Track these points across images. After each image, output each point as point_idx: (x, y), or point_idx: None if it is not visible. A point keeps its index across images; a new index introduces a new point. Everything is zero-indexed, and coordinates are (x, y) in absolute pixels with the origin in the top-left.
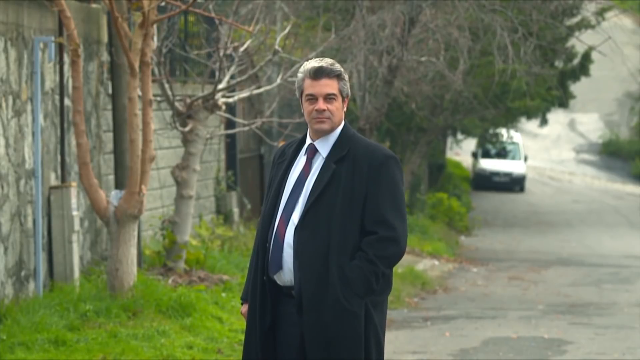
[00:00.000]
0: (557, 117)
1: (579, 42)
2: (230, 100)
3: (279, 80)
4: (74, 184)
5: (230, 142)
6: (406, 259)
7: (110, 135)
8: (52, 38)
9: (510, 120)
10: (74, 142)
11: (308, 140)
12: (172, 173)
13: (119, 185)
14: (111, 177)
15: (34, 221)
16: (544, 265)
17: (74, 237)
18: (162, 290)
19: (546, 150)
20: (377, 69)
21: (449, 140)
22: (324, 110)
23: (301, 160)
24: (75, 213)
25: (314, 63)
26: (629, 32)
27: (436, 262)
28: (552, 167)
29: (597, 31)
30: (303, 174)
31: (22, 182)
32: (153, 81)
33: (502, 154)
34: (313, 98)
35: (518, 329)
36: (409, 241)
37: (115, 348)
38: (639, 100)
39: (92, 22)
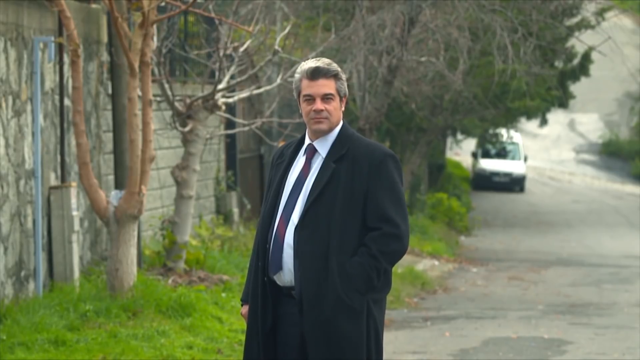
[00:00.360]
0: (557, 117)
1: (579, 42)
2: (230, 100)
3: (278, 81)
4: (73, 184)
5: (230, 142)
6: (406, 259)
7: (110, 135)
8: (52, 38)
9: (510, 120)
10: (73, 142)
11: (307, 141)
12: (172, 173)
13: (118, 185)
14: (111, 177)
15: (34, 221)
16: (544, 265)
17: (74, 237)
18: (162, 290)
19: (546, 151)
20: (377, 69)
21: (449, 140)
22: (322, 110)
23: (300, 161)
24: (75, 213)
25: (310, 63)
26: (629, 32)
27: (436, 262)
28: (552, 167)
29: (597, 31)
30: (302, 174)
31: (22, 182)
32: (153, 81)
33: (502, 154)
34: (310, 98)
35: (518, 329)
36: (409, 241)
37: (115, 348)
38: (639, 100)
39: (92, 22)
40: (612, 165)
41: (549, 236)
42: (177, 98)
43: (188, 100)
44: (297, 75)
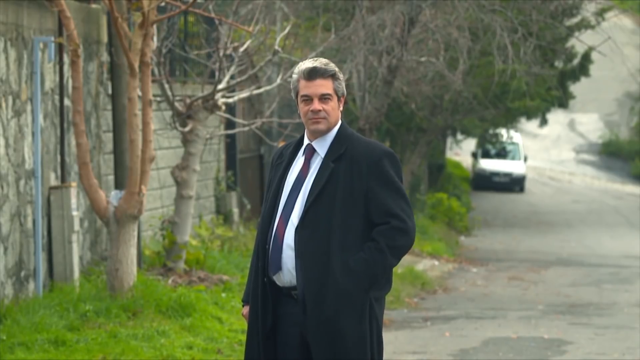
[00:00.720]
0: (557, 118)
1: (579, 43)
2: (230, 100)
3: (278, 81)
4: (73, 184)
5: (230, 143)
6: (406, 259)
7: (110, 135)
8: (52, 38)
9: (510, 120)
10: (73, 142)
11: (306, 141)
12: (172, 173)
13: (118, 185)
14: (111, 177)
15: (34, 221)
16: (544, 265)
17: (74, 237)
18: (162, 290)
19: (546, 151)
20: (376, 69)
21: (449, 140)
22: (319, 110)
23: (299, 161)
24: (75, 213)
25: (308, 64)
26: (629, 32)
27: (436, 263)
28: (552, 167)
29: (597, 31)
30: (301, 174)
31: (22, 182)
32: (153, 81)
33: (502, 154)
34: (308, 99)
35: (518, 329)
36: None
37: (115, 348)
38: (639, 101)
39: (92, 22)
40: (612, 165)
41: (549, 236)
42: (177, 98)
43: (188, 100)
44: (294, 76)
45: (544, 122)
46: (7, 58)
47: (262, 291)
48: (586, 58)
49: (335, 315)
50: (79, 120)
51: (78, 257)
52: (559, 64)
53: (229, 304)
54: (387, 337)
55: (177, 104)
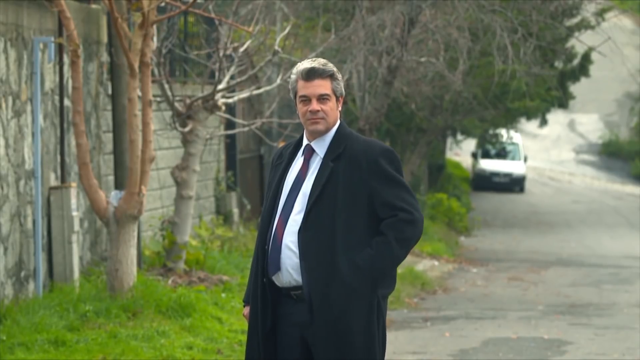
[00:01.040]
0: (556, 118)
1: (579, 43)
2: (230, 100)
3: (278, 81)
4: (73, 184)
5: (230, 143)
6: (406, 259)
7: (110, 135)
8: (52, 38)
9: (510, 120)
10: (73, 143)
11: (305, 142)
12: (171, 173)
13: (118, 185)
14: (111, 178)
15: (34, 221)
16: (544, 265)
17: (74, 237)
18: (162, 290)
19: (546, 151)
20: (376, 69)
21: (449, 140)
22: (318, 111)
23: (299, 161)
24: (75, 213)
25: (306, 64)
26: (629, 32)
27: (436, 263)
28: (551, 167)
29: (597, 32)
30: (300, 174)
31: (22, 182)
32: (153, 82)
33: (502, 154)
34: (306, 99)
35: (518, 329)
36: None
37: (115, 348)
38: (639, 101)
39: (92, 23)
40: (612, 165)
41: (549, 236)
42: (177, 98)
43: (188, 101)
44: (293, 76)
45: (543, 122)
46: (7, 58)
47: (261, 292)
48: (586, 58)
49: (344, 314)
50: (79, 121)
51: (78, 258)
52: (559, 64)
53: (229, 304)
54: (387, 337)
55: (177, 104)
